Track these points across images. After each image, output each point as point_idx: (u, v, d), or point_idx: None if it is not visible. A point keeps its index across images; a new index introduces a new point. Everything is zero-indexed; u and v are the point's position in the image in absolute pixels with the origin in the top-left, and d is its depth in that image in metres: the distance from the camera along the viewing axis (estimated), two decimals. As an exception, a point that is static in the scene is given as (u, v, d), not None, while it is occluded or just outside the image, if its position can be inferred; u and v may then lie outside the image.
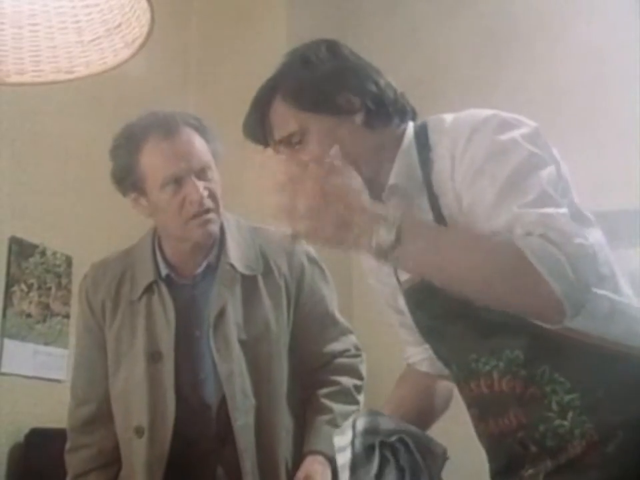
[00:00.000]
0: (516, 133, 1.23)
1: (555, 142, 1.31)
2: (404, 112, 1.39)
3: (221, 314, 1.74)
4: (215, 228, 1.74)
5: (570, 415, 1.21)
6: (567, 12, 2.94)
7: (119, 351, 1.80)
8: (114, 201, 2.87)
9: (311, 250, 1.88)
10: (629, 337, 1.22)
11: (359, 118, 1.34)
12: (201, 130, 1.76)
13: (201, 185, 1.69)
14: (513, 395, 1.26)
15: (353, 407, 1.82)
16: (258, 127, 1.39)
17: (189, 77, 3.39)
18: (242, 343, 1.75)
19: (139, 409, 1.74)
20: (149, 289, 1.78)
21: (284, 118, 1.35)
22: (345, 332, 1.91)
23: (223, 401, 1.73)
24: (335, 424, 1.72)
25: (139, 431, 1.73)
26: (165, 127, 1.71)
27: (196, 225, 1.70)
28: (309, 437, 1.77)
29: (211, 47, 3.39)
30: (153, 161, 1.71)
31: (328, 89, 1.34)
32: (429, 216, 1.30)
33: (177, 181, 1.69)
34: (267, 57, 3.16)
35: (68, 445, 1.85)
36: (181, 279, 1.80)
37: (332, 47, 1.39)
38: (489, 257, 1.14)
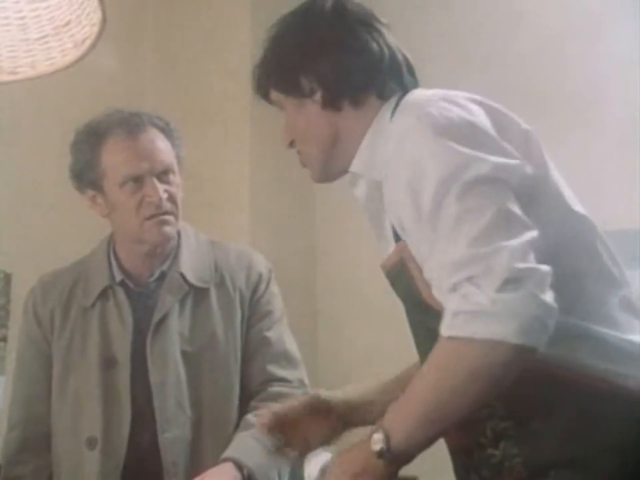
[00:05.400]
0: (447, 139, 1.20)
1: (557, 159, 1.32)
2: (382, 88, 1.38)
3: (162, 321, 1.79)
4: (171, 230, 1.80)
5: (502, 444, 1.21)
6: (568, 22, 2.97)
7: (69, 362, 1.82)
8: (58, 215, 2.87)
9: (270, 267, 1.95)
10: (580, 362, 1.18)
11: (317, 100, 1.39)
12: (167, 132, 1.83)
13: (161, 187, 1.75)
14: None
15: None
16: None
17: (146, 74, 3.38)
18: (185, 354, 1.80)
19: (91, 419, 1.76)
20: (103, 295, 1.83)
21: (270, 93, 1.46)
22: (293, 363, 1.92)
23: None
24: (256, 438, 1.73)
25: (91, 443, 1.75)
26: (129, 124, 1.77)
27: (152, 224, 1.77)
28: (226, 450, 1.76)
29: (168, 44, 3.39)
30: (114, 158, 1.76)
31: (287, 71, 1.41)
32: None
33: (137, 181, 1.75)
34: (227, 51, 3.21)
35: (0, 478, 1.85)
36: (136, 287, 1.85)
37: (305, 16, 1.44)
38: (445, 375, 1.14)
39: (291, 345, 1.94)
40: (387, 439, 1.16)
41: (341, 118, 1.38)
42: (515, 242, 1.12)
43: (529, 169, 1.23)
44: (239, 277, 1.89)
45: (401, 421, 1.17)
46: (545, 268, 1.12)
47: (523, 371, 1.16)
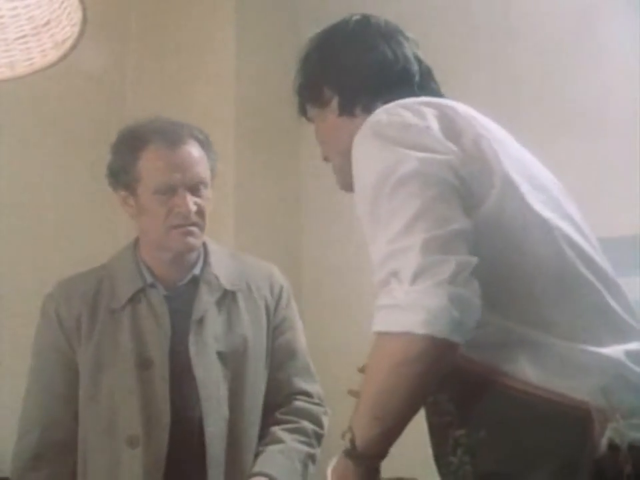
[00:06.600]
0: (375, 140, 1.28)
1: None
2: (389, 97, 1.41)
3: (202, 320, 1.87)
4: (195, 241, 1.87)
5: (459, 452, 1.22)
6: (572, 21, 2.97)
7: (100, 363, 1.84)
8: (41, 219, 2.84)
9: (288, 283, 2.06)
10: (526, 373, 1.17)
11: (334, 107, 1.49)
12: (206, 145, 1.91)
13: (191, 199, 1.83)
14: (427, 423, 1.30)
15: (309, 449, 1.91)
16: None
17: (128, 76, 3.36)
18: (219, 355, 1.87)
19: (130, 417, 1.80)
20: (133, 297, 1.88)
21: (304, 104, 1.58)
22: (313, 377, 2.03)
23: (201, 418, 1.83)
24: (286, 455, 1.85)
25: (132, 441, 1.78)
26: (170, 134, 1.85)
27: (178, 233, 1.84)
28: (257, 462, 1.85)
29: (151, 45, 3.38)
30: (150, 166, 1.84)
31: (311, 84, 1.53)
32: None
33: (170, 191, 1.82)
34: (211, 53, 3.20)
35: None
36: (165, 290, 1.91)
37: (334, 28, 1.54)
38: (376, 371, 1.18)
39: (310, 359, 2.04)
40: (352, 439, 1.20)
41: (355, 126, 1.39)
42: (431, 234, 1.14)
43: (469, 167, 1.25)
44: (263, 286, 1.98)
45: (357, 419, 1.20)
46: (463, 258, 1.14)
47: (469, 376, 1.19)
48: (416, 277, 1.12)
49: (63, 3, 1.23)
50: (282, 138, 3.24)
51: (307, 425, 1.93)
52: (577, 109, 2.78)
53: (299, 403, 1.96)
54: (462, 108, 1.36)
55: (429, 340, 1.10)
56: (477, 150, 1.28)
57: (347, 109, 1.47)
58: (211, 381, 1.83)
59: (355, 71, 1.47)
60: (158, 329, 1.85)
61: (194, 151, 1.87)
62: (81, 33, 1.21)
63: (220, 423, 1.82)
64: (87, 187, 2.93)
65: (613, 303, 1.28)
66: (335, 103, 1.48)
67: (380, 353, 1.16)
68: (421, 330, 1.10)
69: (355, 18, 1.53)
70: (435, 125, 1.28)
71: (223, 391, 1.84)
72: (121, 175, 1.87)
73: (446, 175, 1.21)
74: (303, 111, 1.57)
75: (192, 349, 1.83)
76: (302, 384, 1.99)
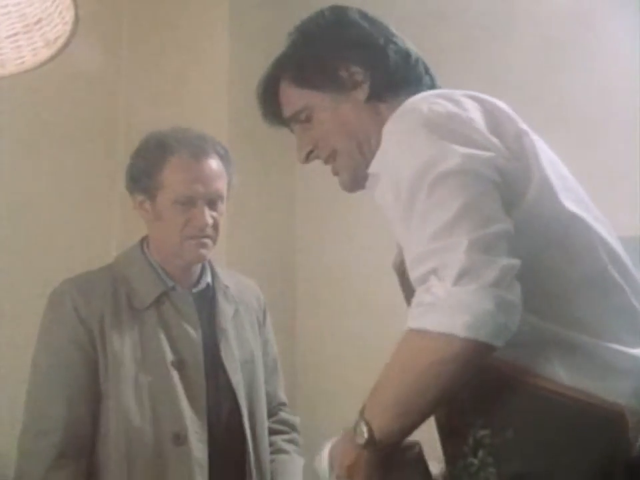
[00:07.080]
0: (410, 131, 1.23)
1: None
2: (416, 81, 1.41)
3: (226, 328, 1.96)
4: (207, 253, 1.93)
5: (480, 453, 1.20)
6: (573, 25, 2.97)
7: (130, 362, 1.84)
8: (29, 222, 2.83)
9: None
10: (557, 373, 1.17)
11: (362, 91, 1.41)
12: (226, 160, 1.96)
13: (208, 213, 1.89)
14: (439, 424, 1.28)
15: (301, 460, 2.07)
16: (274, 112, 1.52)
17: (121, 75, 3.35)
18: (240, 364, 1.96)
19: (172, 416, 1.83)
20: (158, 299, 1.91)
21: (289, 97, 1.47)
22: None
23: (229, 417, 1.91)
24: (294, 465, 2.04)
25: (179, 437, 1.81)
26: (197, 147, 1.90)
27: (192, 244, 1.89)
28: (276, 471, 2.01)
29: (143, 46, 3.37)
30: (174, 175, 1.88)
31: (328, 64, 1.43)
32: None
33: (189, 202, 1.87)
34: (205, 52, 3.19)
35: None
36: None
37: (337, 14, 1.46)
38: (406, 368, 1.15)
39: None
40: (370, 430, 1.18)
41: (381, 113, 1.37)
42: (475, 234, 1.11)
43: (511, 164, 1.22)
44: (252, 301, 2.09)
45: (377, 413, 1.18)
46: (508, 261, 1.11)
47: (496, 375, 1.16)
48: (460, 277, 1.08)
49: (55, 1, 1.22)
50: (276, 140, 3.22)
51: (296, 436, 2.12)
52: (576, 110, 2.77)
53: (284, 414, 2.14)
54: (499, 102, 1.32)
55: (470, 343, 1.07)
56: (518, 146, 1.25)
57: (377, 94, 1.40)
58: (241, 386, 1.92)
59: (386, 53, 1.41)
60: (189, 331, 1.89)
61: (216, 165, 1.91)
62: (73, 32, 1.20)
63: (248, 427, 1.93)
64: (81, 188, 2.92)
65: (637, 305, 1.26)
66: (363, 87, 1.41)
67: (413, 350, 1.14)
68: (463, 333, 1.07)
69: (355, 9, 1.46)
70: (478, 116, 1.24)
71: (244, 397, 1.94)
72: (143, 179, 1.90)
73: (489, 173, 1.17)
74: (270, 94, 1.50)
75: (223, 354, 1.92)
76: (282, 395, 2.15)
